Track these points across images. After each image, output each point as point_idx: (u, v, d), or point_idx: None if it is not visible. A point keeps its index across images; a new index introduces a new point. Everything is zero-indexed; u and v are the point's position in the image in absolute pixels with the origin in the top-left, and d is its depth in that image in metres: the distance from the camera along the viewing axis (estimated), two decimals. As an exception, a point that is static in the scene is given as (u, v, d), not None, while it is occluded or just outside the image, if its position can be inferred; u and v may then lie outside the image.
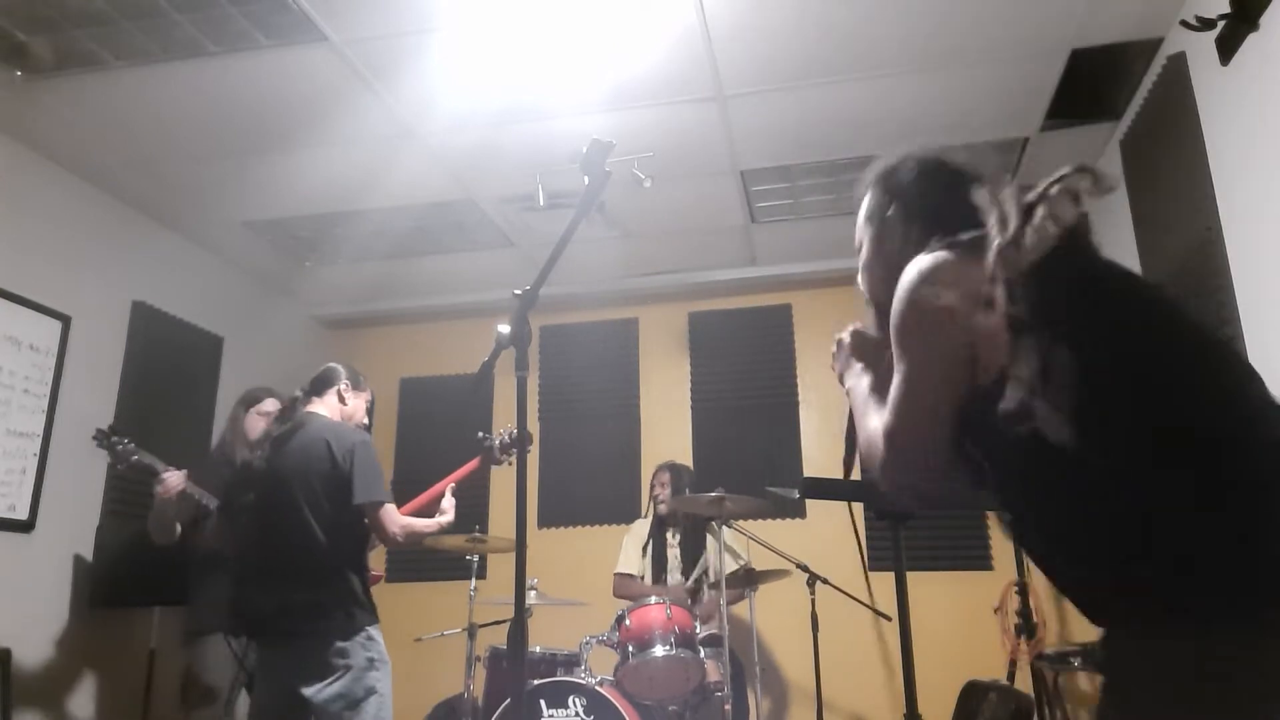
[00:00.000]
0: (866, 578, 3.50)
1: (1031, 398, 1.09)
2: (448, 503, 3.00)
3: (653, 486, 4.33)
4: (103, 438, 3.29)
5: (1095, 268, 1.21)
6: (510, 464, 3.26)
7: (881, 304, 1.37)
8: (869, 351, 1.43)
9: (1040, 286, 1.11)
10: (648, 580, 4.18)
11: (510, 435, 3.27)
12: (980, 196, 1.22)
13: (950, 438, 1.19)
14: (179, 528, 3.41)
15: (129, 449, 3.27)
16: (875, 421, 1.27)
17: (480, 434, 3.34)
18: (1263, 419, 1.08)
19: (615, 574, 4.25)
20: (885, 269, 1.35)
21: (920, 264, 1.21)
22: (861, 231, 1.46)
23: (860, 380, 1.40)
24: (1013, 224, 1.15)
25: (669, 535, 4.24)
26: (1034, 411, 1.09)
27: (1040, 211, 1.15)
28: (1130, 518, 1.05)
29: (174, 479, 3.28)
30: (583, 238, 3.61)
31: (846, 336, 1.49)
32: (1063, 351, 1.09)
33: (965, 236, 1.21)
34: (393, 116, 3.47)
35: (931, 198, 1.34)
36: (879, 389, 1.31)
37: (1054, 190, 1.16)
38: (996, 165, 1.35)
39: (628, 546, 4.31)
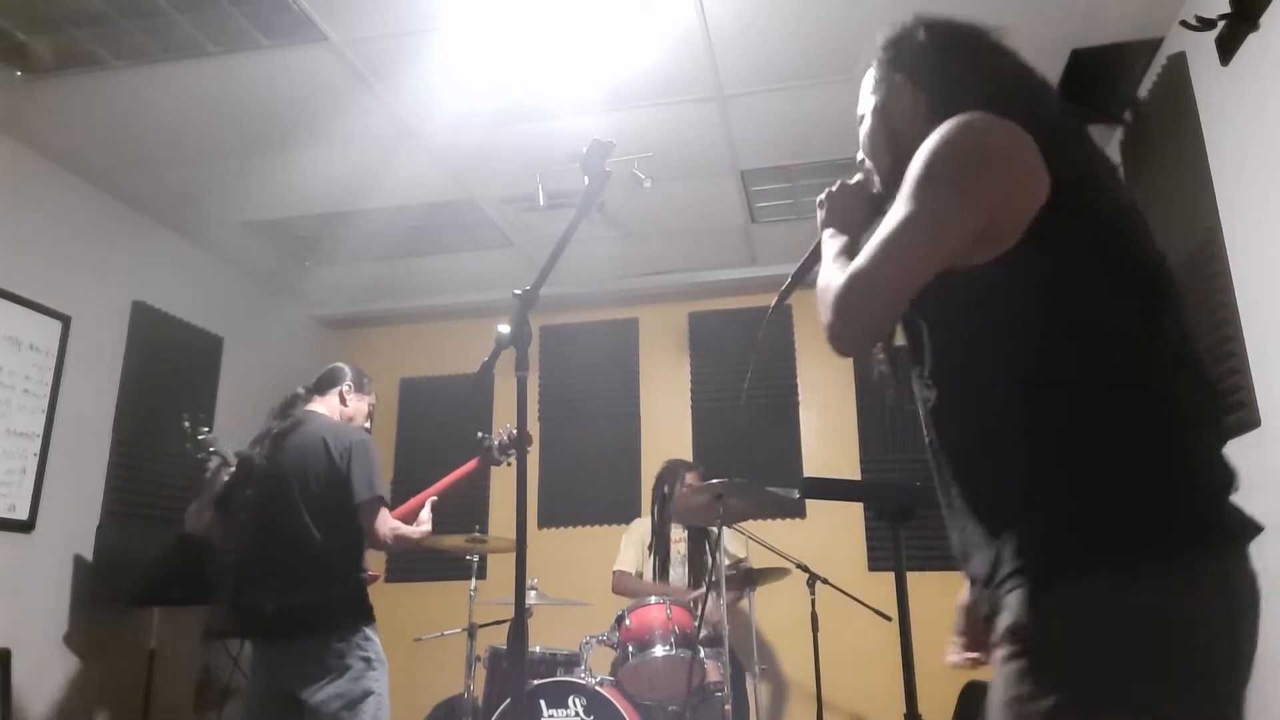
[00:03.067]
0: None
1: (1009, 297, 1.07)
2: (425, 515, 2.94)
3: (674, 487, 4.21)
4: (192, 423, 3.41)
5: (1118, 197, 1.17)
6: (509, 464, 3.25)
7: (885, 178, 1.30)
8: (855, 214, 1.33)
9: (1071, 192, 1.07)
10: (649, 577, 4.17)
11: (509, 435, 3.26)
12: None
13: (907, 300, 1.11)
14: (206, 516, 3.40)
15: (210, 438, 3.35)
16: (839, 274, 1.16)
17: (479, 434, 3.33)
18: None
19: (614, 571, 4.24)
20: (889, 142, 1.28)
21: (984, 117, 1.10)
22: (864, 103, 1.35)
23: (838, 238, 1.29)
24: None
25: (675, 532, 4.23)
26: (1004, 312, 1.08)
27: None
28: (1058, 430, 1.05)
29: None
30: (583, 238, 3.59)
31: (840, 186, 1.38)
32: (1058, 262, 1.06)
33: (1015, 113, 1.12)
34: (393, 116, 3.47)
35: (943, 66, 1.24)
36: (850, 253, 1.21)
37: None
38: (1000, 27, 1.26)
39: (626, 546, 4.30)
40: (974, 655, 1.37)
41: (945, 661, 1.38)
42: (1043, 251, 1.06)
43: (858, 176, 1.37)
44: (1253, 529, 1.03)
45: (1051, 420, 1.06)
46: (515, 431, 3.24)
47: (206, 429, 3.46)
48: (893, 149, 1.26)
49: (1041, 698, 0.98)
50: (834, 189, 1.37)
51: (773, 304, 1.50)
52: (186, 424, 3.42)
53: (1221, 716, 0.98)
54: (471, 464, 3.28)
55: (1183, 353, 1.11)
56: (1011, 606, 1.03)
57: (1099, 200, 1.12)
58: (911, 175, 1.11)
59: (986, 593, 1.10)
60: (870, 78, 1.35)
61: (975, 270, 1.09)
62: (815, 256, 1.38)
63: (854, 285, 1.12)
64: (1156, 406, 1.05)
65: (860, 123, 1.36)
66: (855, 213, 1.33)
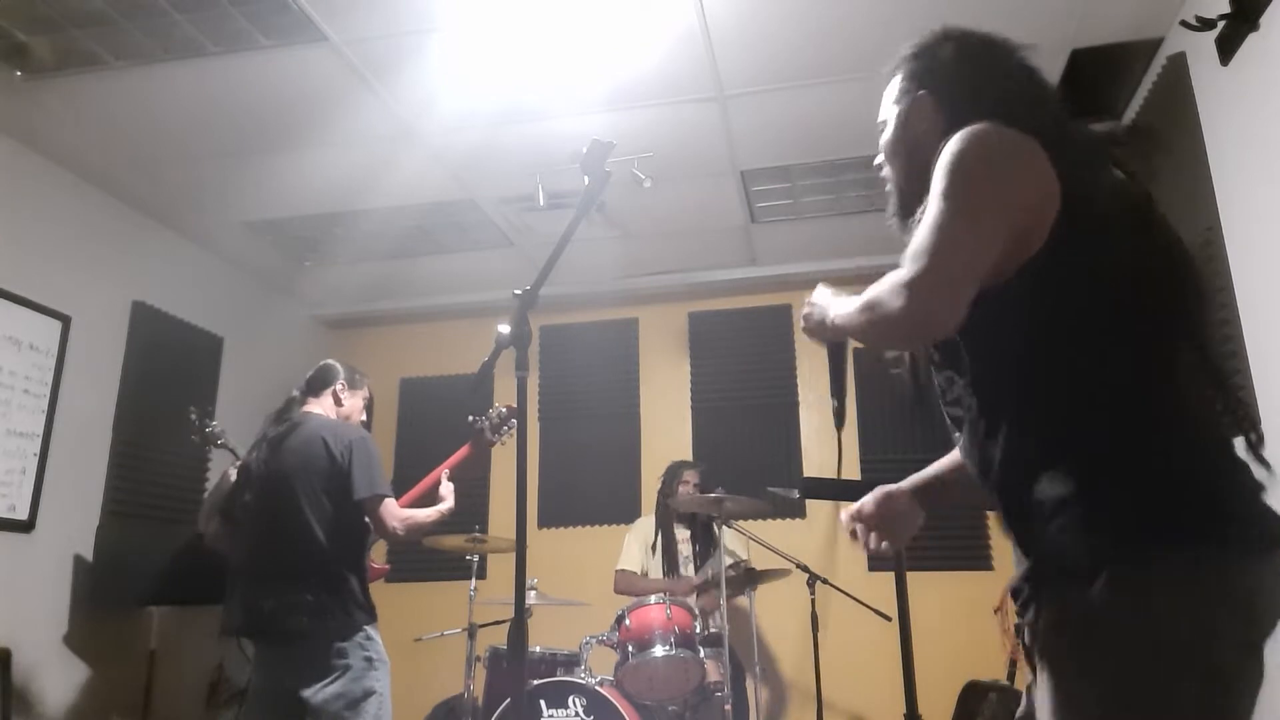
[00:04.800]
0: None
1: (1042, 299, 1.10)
2: (446, 489, 2.96)
3: (673, 484, 4.26)
4: (199, 416, 3.45)
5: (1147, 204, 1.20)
6: (504, 443, 3.24)
7: (903, 191, 1.32)
8: (834, 304, 1.33)
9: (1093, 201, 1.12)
10: (656, 576, 4.16)
11: (500, 415, 3.25)
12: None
13: (969, 293, 1.08)
14: (213, 524, 3.40)
15: (216, 430, 3.44)
16: (874, 293, 1.15)
17: (470, 417, 3.30)
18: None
19: (617, 570, 4.24)
20: (908, 153, 1.31)
21: (993, 125, 1.14)
22: (886, 110, 1.36)
23: (844, 303, 1.27)
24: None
25: (679, 531, 4.23)
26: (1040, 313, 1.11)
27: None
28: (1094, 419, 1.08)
29: None
30: (583, 238, 3.60)
31: (817, 294, 1.40)
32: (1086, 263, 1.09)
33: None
34: (393, 116, 3.47)
35: (965, 81, 1.26)
36: (852, 303, 1.23)
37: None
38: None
39: (630, 544, 4.30)
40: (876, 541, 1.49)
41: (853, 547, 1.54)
42: (1058, 263, 1.09)
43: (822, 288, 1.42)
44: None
45: (1077, 430, 1.09)
46: (504, 411, 3.26)
47: (214, 421, 3.48)
48: (912, 158, 1.29)
49: (1086, 679, 1.01)
50: (814, 297, 1.42)
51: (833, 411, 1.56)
52: (194, 416, 3.44)
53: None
54: (464, 450, 3.26)
55: (1197, 362, 1.14)
56: (1052, 593, 1.07)
57: (1113, 215, 1.14)
58: (940, 181, 1.12)
59: (1021, 581, 1.15)
60: (895, 86, 1.36)
61: (1004, 283, 1.12)
62: (837, 355, 1.51)
63: (915, 292, 1.08)
64: (1173, 414, 1.08)
65: (882, 129, 1.38)
66: (834, 303, 1.35)
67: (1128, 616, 0.99)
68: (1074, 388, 1.10)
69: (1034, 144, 1.12)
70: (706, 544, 4.14)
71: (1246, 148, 2.56)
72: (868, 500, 1.51)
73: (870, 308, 1.15)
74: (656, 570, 4.18)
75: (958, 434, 1.27)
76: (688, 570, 4.16)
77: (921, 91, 1.30)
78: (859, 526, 1.51)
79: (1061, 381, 1.11)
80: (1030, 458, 1.12)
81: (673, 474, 4.32)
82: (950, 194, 1.11)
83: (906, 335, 1.18)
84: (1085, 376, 1.09)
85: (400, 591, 4.93)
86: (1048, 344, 1.11)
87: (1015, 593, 1.15)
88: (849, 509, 1.52)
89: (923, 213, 1.14)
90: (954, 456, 1.46)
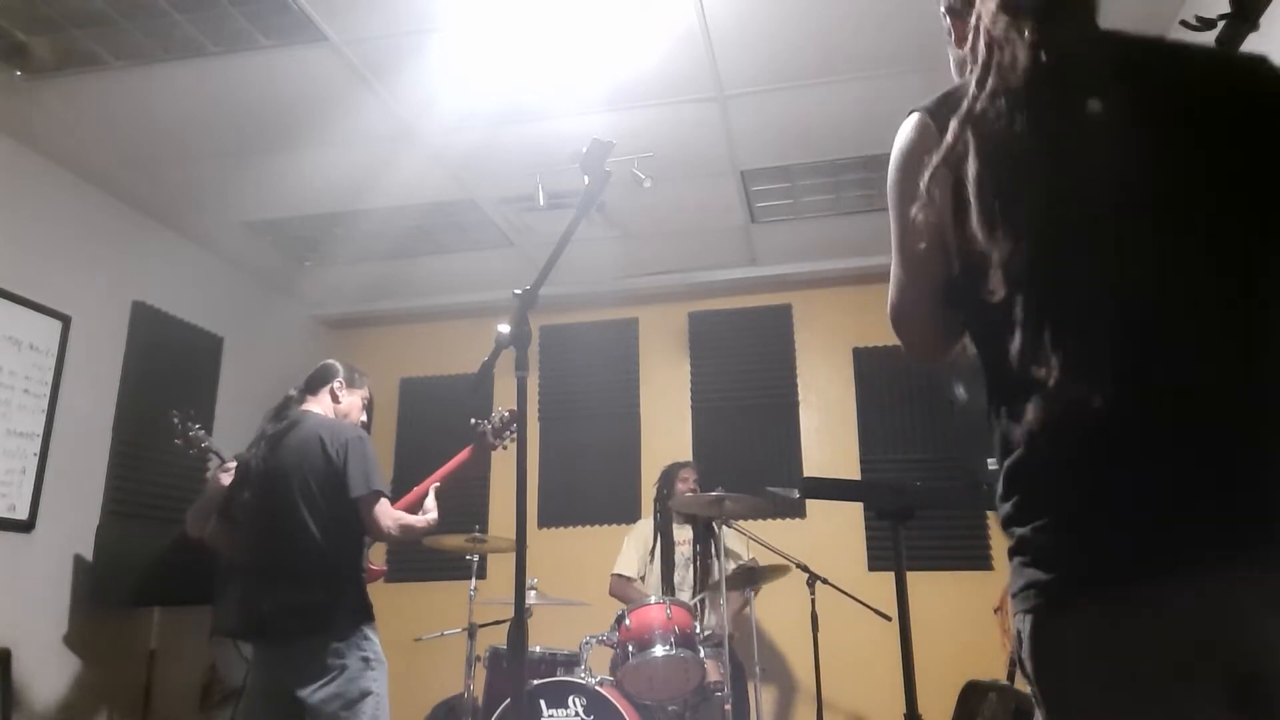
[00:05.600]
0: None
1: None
2: (430, 503, 2.94)
3: (674, 484, 4.25)
4: (181, 419, 3.38)
5: None
6: (506, 448, 3.24)
7: None
8: None
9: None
10: (655, 579, 4.15)
11: (503, 418, 3.26)
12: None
13: (938, 310, 1.12)
14: (210, 524, 3.39)
15: (200, 434, 3.37)
16: None
17: (473, 420, 3.30)
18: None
19: (612, 575, 4.23)
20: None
21: (905, 128, 1.14)
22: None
23: None
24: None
25: (680, 532, 4.22)
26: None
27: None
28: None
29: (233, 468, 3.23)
30: (583, 238, 3.60)
31: None
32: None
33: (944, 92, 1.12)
34: (393, 116, 3.47)
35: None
36: None
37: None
38: None
39: (628, 548, 4.29)
40: None
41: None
42: (960, 254, 1.05)
43: None
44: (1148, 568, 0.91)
45: (1000, 439, 1.05)
46: (505, 415, 3.26)
47: (198, 425, 3.42)
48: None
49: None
50: None
51: None
52: (176, 420, 3.36)
53: None
54: (466, 452, 3.26)
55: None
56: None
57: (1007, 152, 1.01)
58: None
59: None
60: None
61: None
62: None
63: (891, 320, 1.17)
64: (1055, 427, 0.96)
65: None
66: None
67: (1053, 641, 0.97)
68: (993, 395, 1.07)
69: (920, 125, 1.13)
70: (708, 544, 4.14)
71: (1246, 148, 2.56)
72: None
73: None
74: (654, 575, 4.17)
75: None
76: (688, 571, 4.16)
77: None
78: None
79: (991, 387, 1.08)
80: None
81: (669, 475, 4.31)
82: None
83: (915, 359, 1.22)
84: (996, 387, 1.08)
85: (400, 591, 4.94)
86: (977, 347, 1.11)
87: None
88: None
89: None
90: None
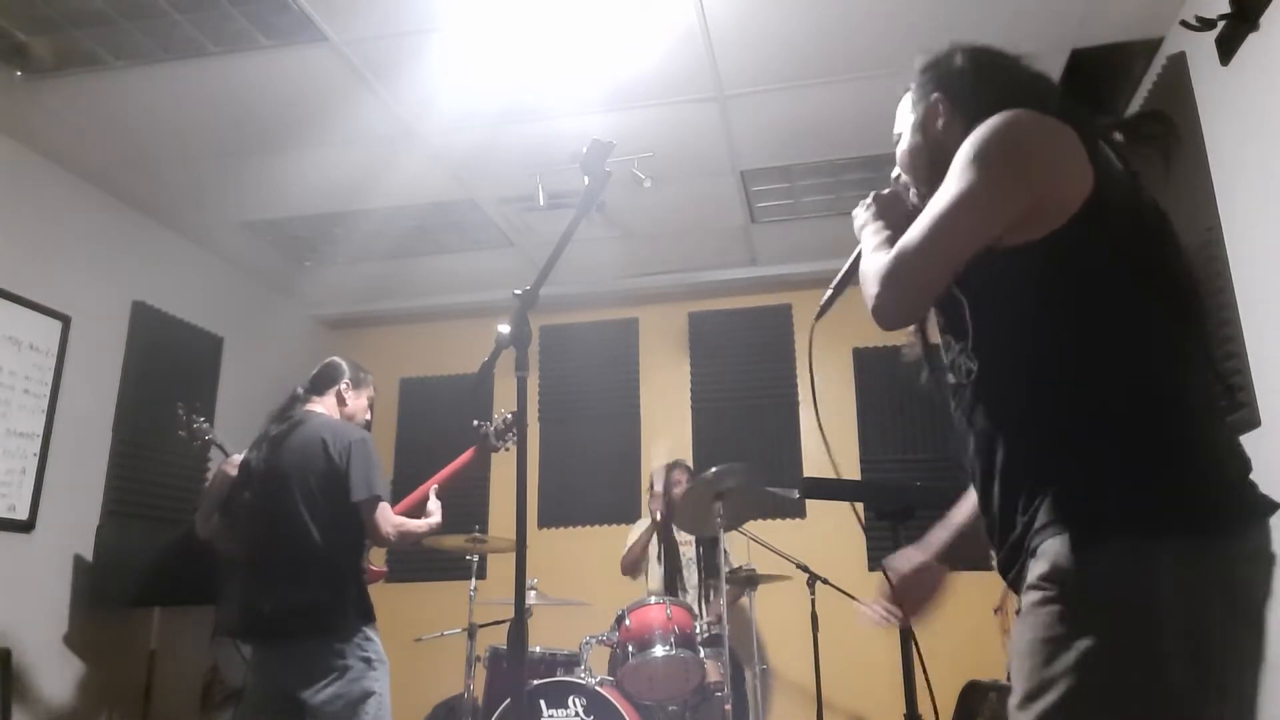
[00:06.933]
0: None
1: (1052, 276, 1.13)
2: (433, 505, 2.95)
3: (666, 485, 4.23)
4: (185, 411, 3.47)
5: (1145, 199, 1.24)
6: (508, 449, 3.24)
7: (922, 190, 1.36)
8: (894, 217, 1.38)
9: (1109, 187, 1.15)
10: (657, 579, 4.14)
11: (505, 420, 3.26)
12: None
13: (947, 278, 1.19)
14: (213, 521, 3.38)
15: (204, 427, 3.45)
16: (885, 252, 1.24)
17: (475, 422, 3.30)
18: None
19: (623, 557, 4.23)
20: (928, 153, 1.34)
21: (1029, 111, 1.18)
22: (902, 122, 1.41)
23: (881, 232, 1.35)
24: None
25: (678, 534, 4.22)
26: (1044, 288, 1.14)
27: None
28: (1096, 401, 1.11)
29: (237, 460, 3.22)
30: (583, 238, 3.60)
31: (890, 191, 1.45)
32: (1099, 252, 1.13)
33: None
34: (393, 116, 3.47)
35: (979, 82, 1.31)
36: (893, 243, 1.27)
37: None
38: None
39: (632, 535, 4.30)
40: (891, 613, 1.55)
41: (859, 622, 1.55)
42: (1085, 239, 1.12)
43: (897, 186, 1.44)
44: (1270, 506, 1.10)
45: (1086, 396, 1.12)
46: (508, 417, 3.26)
47: (202, 418, 3.48)
48: (932, 159, 1.31)
49: (1077, 639, 1.03)
50: (883, 192, 1.45)
51: (821, 303, 1.50)
52: (181, 412, 3.43)
53: (1230, 686, 1.02)
54: (469, 453, 3.26)
55: (1200, 349, 1.18)
56: (1048, 553, 1.09)
57: (1136, 202, 1.20)
58: (962, 157, 1.17)
59: (1009, 550, 1.23)
60: (908, 100, 1.40)
61: (1021, 249, 1.14)
62: (859, 258, 1.44)
63: (904, 256, 1.18)
64: (1179, 393, 1.12)
65: (898, 141, 1.42)
66: (899, 215, 1.39)
67: (1122, 583, 1.02)
68: (1083, 358, 1.12)
69: (1068, 128, 1.16)
70: (709, 544, 4.14)
71: (1246, 148, 2.56)
72: (905, 582, 1.53)
73: (863, 282, 1.26)
74: (656, 578, 4.17)
75: (953, 402, 1.30)
76: (690, 572, 4.16)
77: (935, 94, 1.34)
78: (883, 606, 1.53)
79: (1071, 351, 1.13)
80: (1030, 425, 1.16)
81: (662, 478, 4.29)
82: (965, 173, 1.15)
83: (886, 320, 1.23)
84: (1094, 349, 1.12)
85: (400, 591, 4.93)
86: (1060, 313, 1.14)
87: (1006, 563, 1.22)
88: (882, 604, 1.54)
89: None
90: (968, 506, 1.48)
